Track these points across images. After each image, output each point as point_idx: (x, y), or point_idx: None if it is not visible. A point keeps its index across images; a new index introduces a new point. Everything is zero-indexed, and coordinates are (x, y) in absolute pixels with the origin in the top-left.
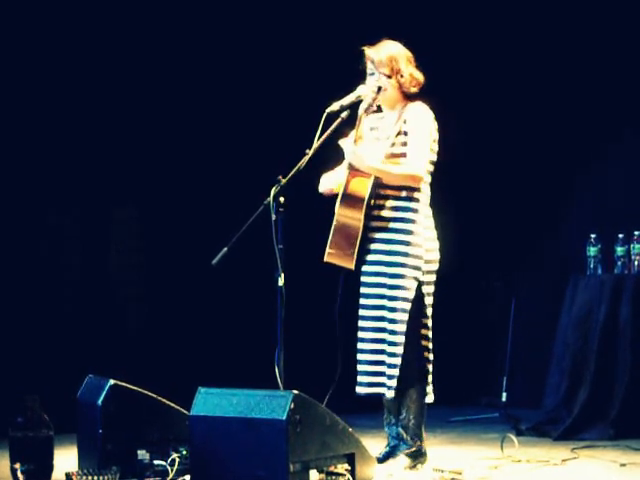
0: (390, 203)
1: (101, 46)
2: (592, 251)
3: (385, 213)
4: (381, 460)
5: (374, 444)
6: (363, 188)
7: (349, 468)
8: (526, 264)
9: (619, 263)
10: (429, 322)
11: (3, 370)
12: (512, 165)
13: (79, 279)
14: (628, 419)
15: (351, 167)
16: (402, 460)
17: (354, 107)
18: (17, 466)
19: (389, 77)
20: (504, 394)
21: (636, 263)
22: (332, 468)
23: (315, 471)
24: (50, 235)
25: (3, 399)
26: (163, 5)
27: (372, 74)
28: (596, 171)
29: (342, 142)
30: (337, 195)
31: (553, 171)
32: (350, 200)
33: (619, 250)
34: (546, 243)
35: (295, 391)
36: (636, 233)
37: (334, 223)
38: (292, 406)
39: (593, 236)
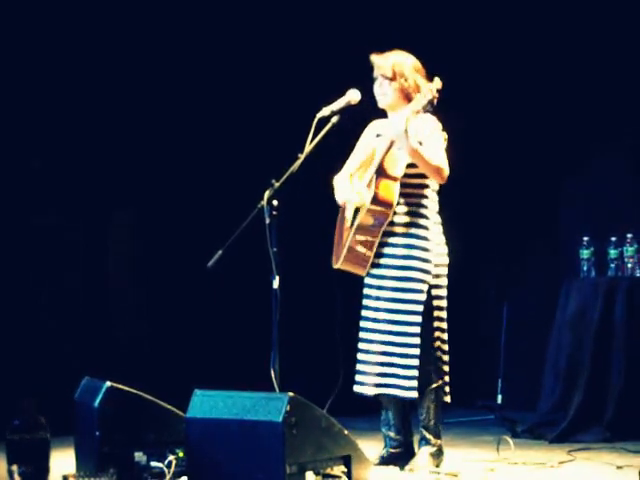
0: (403, 209)
1: (103, 54)
2: (585, 254)
3: (397, 219)
4: (381, 462)
5: (370, 446)
6: (391, 193)
7: (345, 470)
8: (520, 266)
9: (612, 265)
10: (442, 324)
11: (0, 373)
12: (503, 169)
13: (76, 281)
14: (624, 421)
15: (379, 171)
16: (425, 459)
17: (344, 112)
18: (14, 468)
19: (391, 80)
20: (499, 396)
21: (629, 265)
22: (328, 470)
23: (311, 473)
24: (49, 238)
25: (0, 402)
26: (156, 14)
27: (375, 79)
28: (588, 173)
29: (388, 121)
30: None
31: (545, 174)
32: (378, 204)
33: (612, 253)
34: (539, 246)
35: (291, 393)
36: (629, 235)
37: (356, 227)
38: (288, 408)
39: (586, 239)
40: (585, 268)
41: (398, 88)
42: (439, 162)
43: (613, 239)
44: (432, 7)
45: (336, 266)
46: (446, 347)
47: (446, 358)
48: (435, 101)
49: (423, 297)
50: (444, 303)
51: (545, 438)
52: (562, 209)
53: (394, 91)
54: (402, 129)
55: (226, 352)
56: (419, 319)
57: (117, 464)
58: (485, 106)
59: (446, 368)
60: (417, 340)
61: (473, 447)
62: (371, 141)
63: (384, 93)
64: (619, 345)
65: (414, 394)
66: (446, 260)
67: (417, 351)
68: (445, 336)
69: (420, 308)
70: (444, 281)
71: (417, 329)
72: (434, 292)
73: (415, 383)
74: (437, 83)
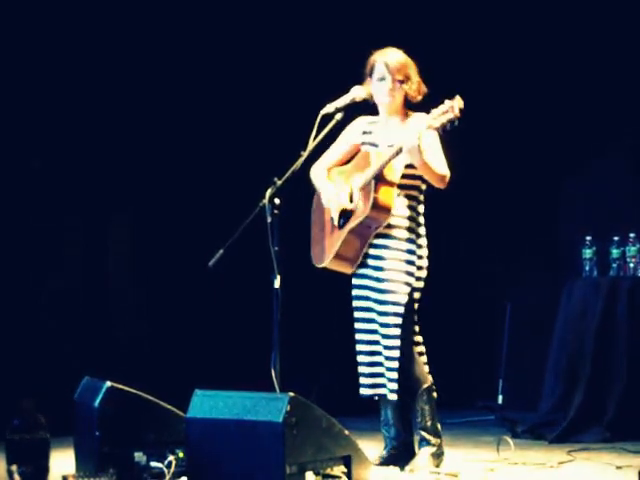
0: (399, 212)
1: (102, 56)
2: (587, 253)
3: (392, 221)
4: (382, 462)
5: (370, 446)
6: (390, 198)
7: (345, 470)
8: (520, 266)
9: (614, 265)
10: (417, 326)
11: (0, 373)
12: (506, 168)
13: (76, 281)
14: (624, 421)
15: (378, 177)
16: (426, 459)
17: (348, 109)
18: (14, 468)
19: (402, 83)
20: (500, 397)
21: (631, 265)
22: (328, 470)
23: (311, 473)
24: (49, 238)
25: (0, 402)
26: (154, 15)
27: (382, 79)
28: (588, 173)
29: (401, 130)
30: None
31: (545, 174)
32: (378, 210)
33: (614, 252)
34: (541, 245)
35: (291, 393)
36: (631, 235)
37: (349, 230)
38: (288, 408)
39: (588, 238)
40: (587, 268)
41: (405, 91)
42: (443, 170)
43: (615, 239)
44: (432, 7)
45: (321, 265)
46: (423, 348)
47: (425, 358)
48: (457, 122)
49: (405, 299)
50: (417, 306)
51: (545, 438)
52: (562, 209)
53: (402, 94)
54: (416, 144)
55: (226, 352)
56: (399, 321)
57: (117, 464)
58: (485, 106)
59: (427, 368)
60: (396, 342)
61: (473, 447)
62: (356, 138)
63: (393, 95)
64: (620, 345)
65: (396, 396)
66: (426, 262)
67: (396, 353)
68: (421, 338)
69: (401, 310)
70: (422, 284)
71: (397, 331)
72: (415, 295)
73: (396, 385)
74: (459, 102)
